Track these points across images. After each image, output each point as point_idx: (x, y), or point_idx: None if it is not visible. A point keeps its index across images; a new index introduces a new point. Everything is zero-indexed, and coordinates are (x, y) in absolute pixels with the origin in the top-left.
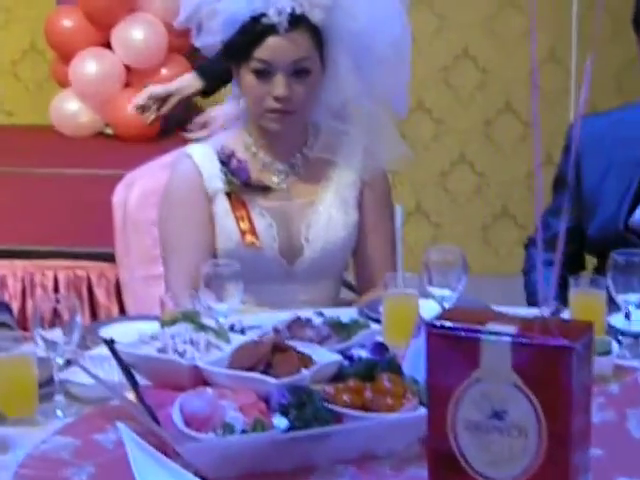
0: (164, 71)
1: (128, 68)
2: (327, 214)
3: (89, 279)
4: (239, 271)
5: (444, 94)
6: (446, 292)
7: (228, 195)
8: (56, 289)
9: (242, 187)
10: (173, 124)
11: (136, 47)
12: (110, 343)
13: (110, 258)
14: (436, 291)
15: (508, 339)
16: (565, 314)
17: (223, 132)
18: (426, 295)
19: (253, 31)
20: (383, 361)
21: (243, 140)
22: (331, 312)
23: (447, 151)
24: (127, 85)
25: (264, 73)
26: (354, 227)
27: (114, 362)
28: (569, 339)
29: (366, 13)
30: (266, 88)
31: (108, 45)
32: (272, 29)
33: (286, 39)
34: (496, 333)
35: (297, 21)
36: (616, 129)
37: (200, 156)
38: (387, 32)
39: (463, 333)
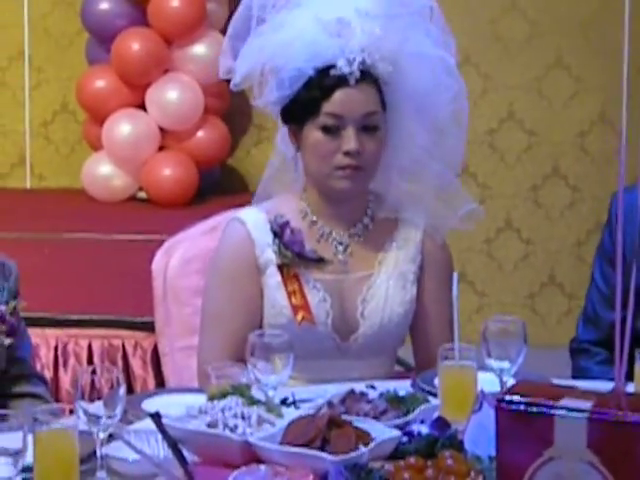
0: (200, 133)
1: (163, 130)
2: (384, 289)
3: (124, 349)
4: (289, 342)
5: (490, 158)
6: (505, 364)
7: (280, 267)
8: (90, 359)
9: (295, 259)
10: (208, 188)
11: (171, 108)
12: (156, 417)
13: (146, 327)
14: (494, 363)
15: (584, 415)
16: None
17: (278, 197)
18: (484, 367)
19: (322, 84)
20: (444, 437)
21: (299, 207)
22: (384, 385)
23: (492, 217)
24: (162, 148)
25: (333, 129)
26: (412, 303)
27: (160, 437)
28: None
29: (429, 70)
30: (335, 144)
31: (142, 106)
32: (342, 81)
33: (357, 91)
34: (571, 409)
35: (367, 74)
36: None
37: (253, 223)
38: (447, 91)
39: (535, 409)
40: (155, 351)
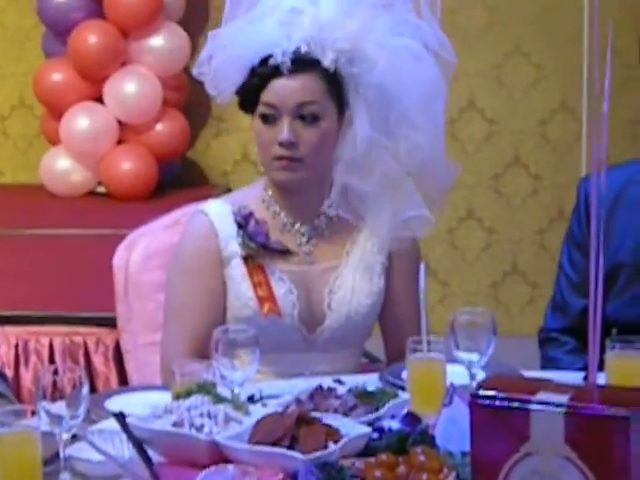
0: (159, 126)
1: (121, 123)
2: (351, 280)
3: (86, 345)
4: (254, 337)
5: (450, 147)
6: (474, 356)
7: (245, 259)
8: (51, 356)
9: (260, 250)
10: (168, 181)
11: (129, 101)
12: (120, 417)
13: (108, 323)
14: (463, 355)
15: (560, 409)
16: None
17: (244, 189)
18: (453, 360)
19: (260, 73)
20: (415, 433)
21: (262, 198)
22: (351, 380)
23: (454, 206)
24: (120, 141)
25: (270, 118)
26: (379, 295)
27: (124, 437)
28: (626, 407)
29: (390, 65)
30: (273, 134)
31: (100, 100)
32: (277, 70)
33: (290, 80)
34: (547, 403)
35: (305, 63)
36: (628, 188)
37: (217, 215)
38: (414, 83)
39: (511, 404)
40: (117, 348)
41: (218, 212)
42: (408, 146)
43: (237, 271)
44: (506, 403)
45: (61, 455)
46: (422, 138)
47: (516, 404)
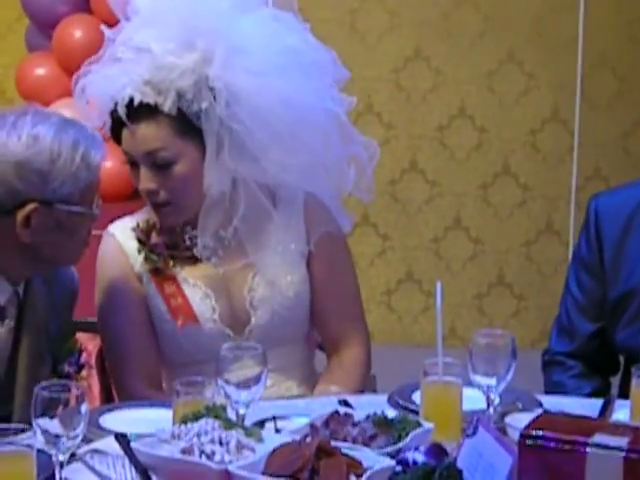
0: None
1: None
2: (271, 275)
3: None
4: (263, 354)
5: (439, 154)
6: (492, 381)
7: (154, 273)
8: None
9: (168, 261)
10: None
11: None
12: (123, 440)
13: (90, 328)
14: (481, 380)
15: (620, 454)
16: (619, 405)
17: None
18: (470, 384)
19: (114, 119)
20: (442, 466)
21: None
22: (355, 400)
23: (442, 215)
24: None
25: (133, 165)
26: (303, 284)
27: (127, 462)
28: None
29: (252, 90)
30: (137, 180)
31: None
32: (121, 120)
33: (134, 130)
34: (605, 447)
35: (142, 111)
36: (638, 211)
37: (121, 235)
38: (284, 112)
39: (565, 446)
40: (100, 354)
41: (122, 231)
42: (276, 170)
43: (149, 287)
44: (559, 445)
45: (57, 478)
46: (293, 161)
47: (570, 447)
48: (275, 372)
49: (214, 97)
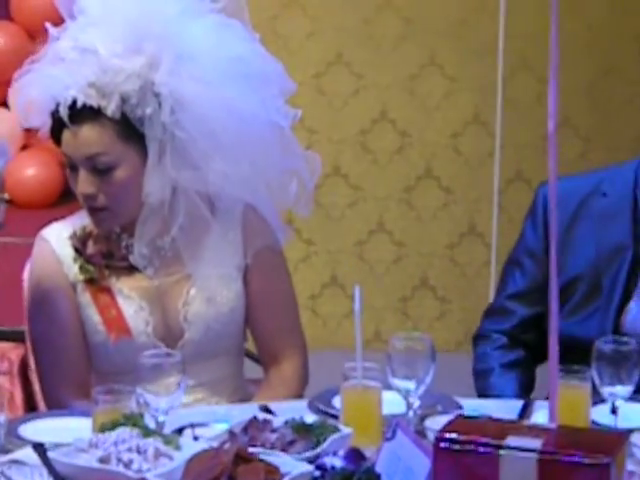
0: None
1: (26, 129)
2: (206, 289)
3: None
4: (182, 362)
5: (362, 159)
6: (411, 384)
7: (89, 283)
8: None
9: (104, 271)
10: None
11: None
12: (41, 449)
13: (13, 337)
14: (400, 383)
15: (534, 455)
16: (539, 406)
17: None
18: (389, 387)
19: (55, 120)
20: (360, 471)
21: None
22: (276, 406)
23: (365, 219)
24: (25, 147)
25: (72, 166)
26: (238, 299)
27: (45, 472)
28: (605, 454)
29: (194, 98)
30: (76, 183)
31: (4, 104)
32: (62, 122)
33: (75, 133)
34: (519, 448)
35: (85, 114)
36: (591, 199)
37: (56, 241)
38: (227, 120)
39: (479, 448)
40: (23, 362)
41: (57, 237)
42: (217, 180)
43: (83, 297)
44: (473, 448)
45: None
46: (235, 171)
47: (484, 449)
48: (206, 385)
49: (159, 103)
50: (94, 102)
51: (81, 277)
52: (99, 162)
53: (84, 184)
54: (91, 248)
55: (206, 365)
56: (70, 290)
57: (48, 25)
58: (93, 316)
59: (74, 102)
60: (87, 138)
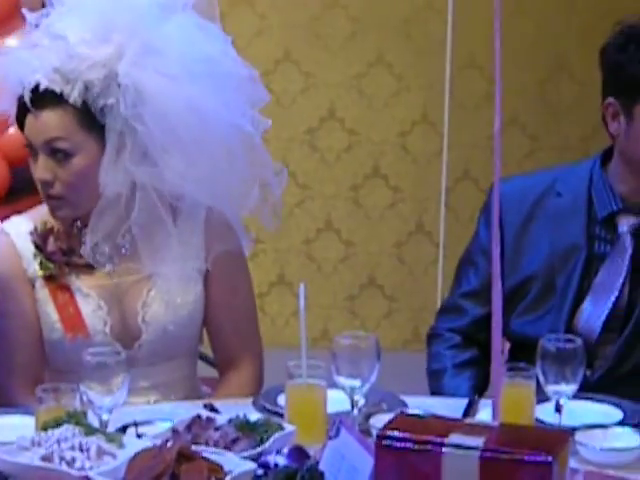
0: (11, 130)
1: None
2: (166, 291)
3: None
4: (126, 360)
5: (310, 157)
6: (356, 382)
7: (47, 280)
8: None
9: (63, 269)
10: (20, 185)
11: None
12: None
13: None
14: (345, 381)
15: (476, 453)
16: (484, 404)
17: None
18: (334, 386)
19: (19, 106)
20: (303, 469)
21: None
22: (221, 404)
23: (313, 217)
24: None
25: (33, 152)
26: (197, 303)
27: None
28: (547, 452)
29: (158, 93)
30: (35, 170)
31: None
32: (25, 106)
33: (37, 117)
34: (461, 446)
35: (47, 99)
36: (546, 198)
37: (17, 235)
38: (189, 117)
39: (421, 446)
40: None
41: (17, 231)
42: (174, 178)
43: (41, 293)
44: (415, 446)
45: None
46: (193, 171)
47: (426, 447)
48: (161, 387)
49: (122, 95)
50: (57, 87)
51: (40, 273)
52: (58, 147)
53: (41, 170)
54: (52, 245)
55: (162, 367)
56: (28, 285)
57: (25, 11)
58: (51, 313)
59: (37, 86)
60: (48, 122)
